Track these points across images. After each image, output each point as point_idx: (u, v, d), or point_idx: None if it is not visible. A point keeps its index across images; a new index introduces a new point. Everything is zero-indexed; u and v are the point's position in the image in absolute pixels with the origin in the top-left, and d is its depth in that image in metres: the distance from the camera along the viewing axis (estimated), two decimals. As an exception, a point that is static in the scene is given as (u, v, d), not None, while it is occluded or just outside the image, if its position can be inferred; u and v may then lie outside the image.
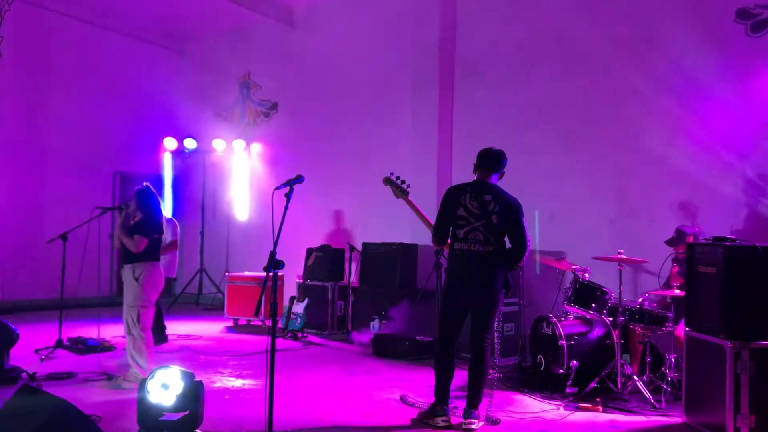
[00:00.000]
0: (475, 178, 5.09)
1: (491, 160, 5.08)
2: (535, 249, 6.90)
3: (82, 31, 11.64)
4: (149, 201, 5.95)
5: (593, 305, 6.04)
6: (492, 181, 5.05)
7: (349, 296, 8.80)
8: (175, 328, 8.72)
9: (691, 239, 5.95)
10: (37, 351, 7.00)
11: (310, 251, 9.37)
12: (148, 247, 5.82)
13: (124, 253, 5.89)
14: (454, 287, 4.97)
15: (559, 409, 5.31)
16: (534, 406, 5.41)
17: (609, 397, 5.54)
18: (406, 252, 8.61)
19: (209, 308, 11.34)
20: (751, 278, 4.54)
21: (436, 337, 5.25)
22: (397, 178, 5.55)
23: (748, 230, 6.54)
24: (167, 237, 7.50)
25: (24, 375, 5.81)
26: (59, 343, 7.14)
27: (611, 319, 5.96)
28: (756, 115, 6.73)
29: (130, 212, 5.94)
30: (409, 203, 5.46)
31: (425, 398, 5.47)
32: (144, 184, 6.06)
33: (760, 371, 4.45)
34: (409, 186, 5.54)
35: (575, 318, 6.33)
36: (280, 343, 7.95)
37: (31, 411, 3.49)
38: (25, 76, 10.92)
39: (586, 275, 6.29)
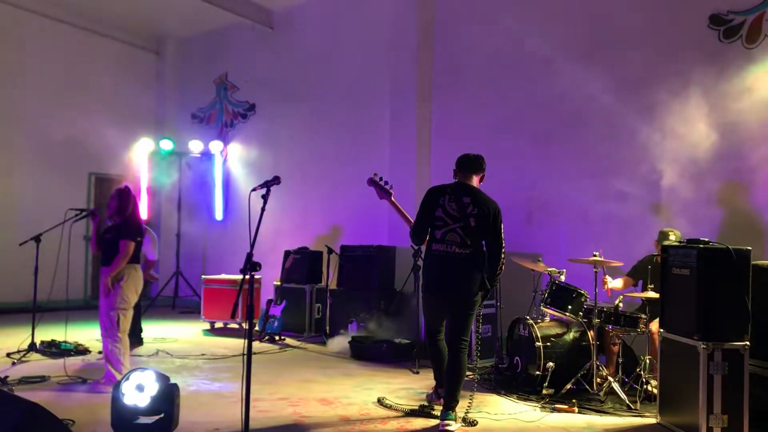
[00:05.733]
0: (456, 181, 5.13)
1: (470, 163, 5.12)
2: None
3: (56, 30, 11.52)
4: (130, 203, 5.86)
5: (569, 307, 6.09)
6: (472, 183, 5.08)
7: (327, 299, 8.76)
8: (151, 331, 8.64)
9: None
10: (9, 354, 6.90)
11: (287, 253, 9.34)
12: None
13: (103, 257, 5.82)
14: (430, 288, 5.02)
15: (535, 410, 5.34)
16: (511, 407, 5.44)
17: (585, 399, 5.58)
18: (384, 254, 8.62)
19: (185, 311, 11.25)
20: (723, 280, 4.60)
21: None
22: (381, 179, 5.62)
23: (721, 233, 6.63)
24: (147, 255, 7.40)
25: (-5, 379, 5.73)
26: (32, 347, 7.04)
27: (587, 320, 6.01)
28: (730, 119, 6.82)
29: (109, 214, 5.85)
30: (393, 204, 5.57)
31: (402, 400, 5.48)
32: (124, 184, 5.99)
33: (732, 372, 4.51)
34: (392, 187, 5.62)
35: (552, 320, 6.37)
36: (257, 346, 7.91)
37: (3, 415, 3.43)
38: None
39: (563, 277, 6.34)
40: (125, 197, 5.86)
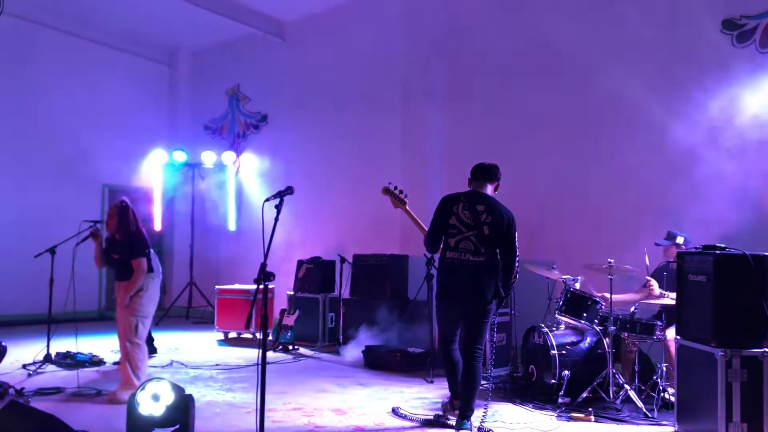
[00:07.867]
0: (470, 189, 5.13)
1: (484, 172, 5.13)
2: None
3: (69, 43, 11.62)
4: (130, 220, 5.83)
5: (584, 314, 6.04)
6: (486, 192, 5.08)
7: (340, 308, 8.76)
8: (165, 341, 8.66)
9: (674, 249, 6.02)
10: (25, 366, 6.93)
11: (300, 263, 9.34)
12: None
13: (117, 271, 5.85)
14: (444, 296, 5.01)
15: (551, 419, 5.30)
16: (526, 416, 5.39)
17: (601, 407, 5.53)
18: (397, 263, 8.61)
19: (199, 321, 11.28)
20: (740, 286, 4.55)
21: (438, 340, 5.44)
22: (395, 188, 5.64)
23: (737, 238, 6.56)
24: None
25: (11, 390, 5.74)
26: (47, 358, 7.07)
27: (602, 328, 5.96)
28: (744, 123, 6.78)
29: (111, 231, 5.87)
30: (408, 212, 5.58)
31: (417, 410, 5.46)
32: (120, 199, 5.97)
33: (751, 379, 4.45)
34: (407, 195, 5.64)
35: (567, 327, 6.32)
36: (270, 356, 7.90)
37: (19, 427, 3.45)
38: (10, 88, 10.86)
39: (577, 285, 6.30)
40: (123, 214, 5.82)
